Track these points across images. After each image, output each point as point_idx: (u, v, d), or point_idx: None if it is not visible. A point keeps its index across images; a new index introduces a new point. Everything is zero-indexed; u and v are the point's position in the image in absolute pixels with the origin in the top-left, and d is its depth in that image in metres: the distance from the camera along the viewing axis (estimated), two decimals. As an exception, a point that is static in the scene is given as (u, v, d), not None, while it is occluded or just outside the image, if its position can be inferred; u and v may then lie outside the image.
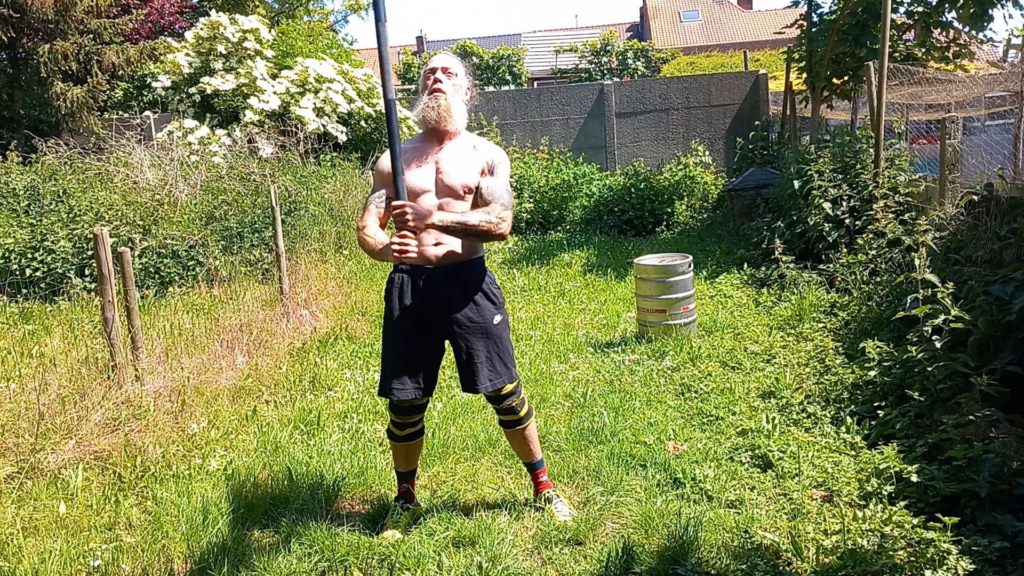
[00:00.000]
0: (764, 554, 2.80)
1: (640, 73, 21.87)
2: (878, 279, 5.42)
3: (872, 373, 4.09)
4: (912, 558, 2.60)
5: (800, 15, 9.81)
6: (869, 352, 4.17)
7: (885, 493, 3.09)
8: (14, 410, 3.76)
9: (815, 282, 6.28)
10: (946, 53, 8.71)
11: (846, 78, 9.03)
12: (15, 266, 7.01)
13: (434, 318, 2.95)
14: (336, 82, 10.39)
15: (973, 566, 2.53)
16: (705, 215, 11.04)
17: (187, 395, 4.25)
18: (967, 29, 8.27)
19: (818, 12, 9.58)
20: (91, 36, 12.81)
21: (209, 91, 10.24)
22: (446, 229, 2.80)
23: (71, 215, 7.47)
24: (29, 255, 7.10)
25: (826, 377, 4.43)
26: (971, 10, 7.76)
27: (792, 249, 6.89)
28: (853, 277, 5.86)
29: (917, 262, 4.25)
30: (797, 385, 4.41)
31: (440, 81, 2.91)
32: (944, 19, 8.43)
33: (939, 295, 3.89)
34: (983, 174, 5.71)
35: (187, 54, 10.62)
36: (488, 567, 2.75)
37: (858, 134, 7.57)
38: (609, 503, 3.21)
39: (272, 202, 6.11)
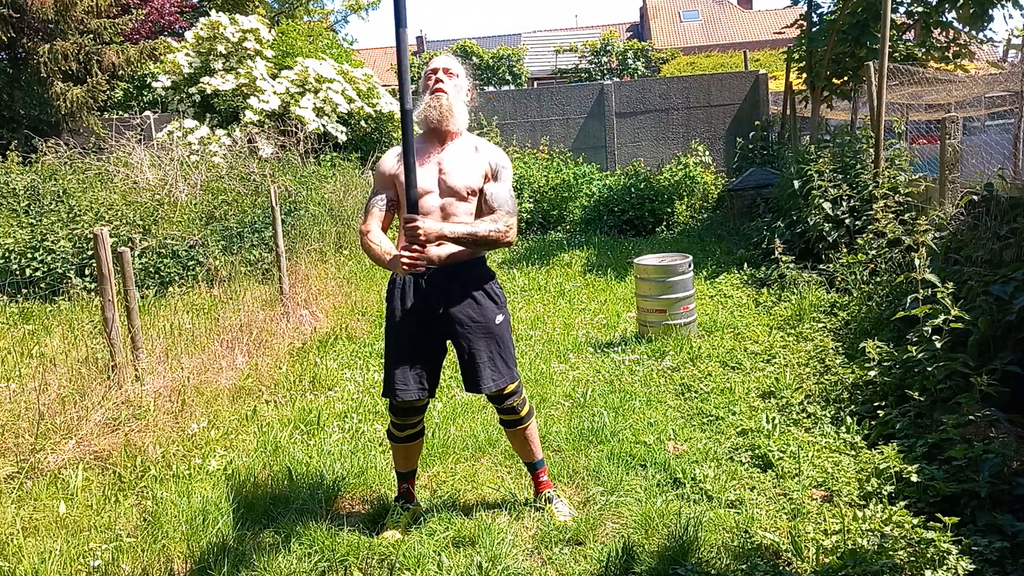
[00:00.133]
0: (764, 554, 2.80)
1: (640, 73, 21.87)
2: (878, 279, 5.42)
3: (872, 373, 4.09)
4: (912, 558, 2.59)
5: (800, 15, 9.82)
6: (869, 352, 4.17)
7: (885, 493, 3.09)
8: (14, 410, 3.76)
9: (815, 282, 6.28)
10: (946, 53, 8.71)
11: (846, 78, 9.03)
12: (15, 266, 7.01)
13: (436, 318, 2.95)
14: (336, 82, 10.40)
15: (973, 566, 2.53)
16: (705, 215, 11.04)
17: (187, 395, 4.25)
18: (967, 29, 8.28)
19: (818, 12, 9.58)
20: (91, 36, 12.81)
21: (209, 91, 10.24)
22: (457, 240, 2.81)
23: (71, 215, 7.47)
24: (29, 255, 7.10)
25: (826, 377, 4.43)
26: (971, 10, 7.76)
27: (792, 249, 6.89)
28: (853, 277, 5.86)
29: (917, 262, 4.25)
30: (797, 385, 4.41)
31: (441, 81, 2.91)
32: (944, 19, 8.44)
33: (939, 295, 3.90)
34: (983, 174, 5.71)
35: (187, 54, 10.63)
36: (488, 567, 2.75)
37: (858, 134, 7.56)
38: (609, 503, 3.21)
39: (272, 202, 6.11)
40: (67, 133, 11.99)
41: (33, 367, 4.26)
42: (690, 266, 5.68)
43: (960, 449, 3.04)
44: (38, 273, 6.97)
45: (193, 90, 10.46)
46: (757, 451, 3.61)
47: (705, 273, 7.63)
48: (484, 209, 2.95)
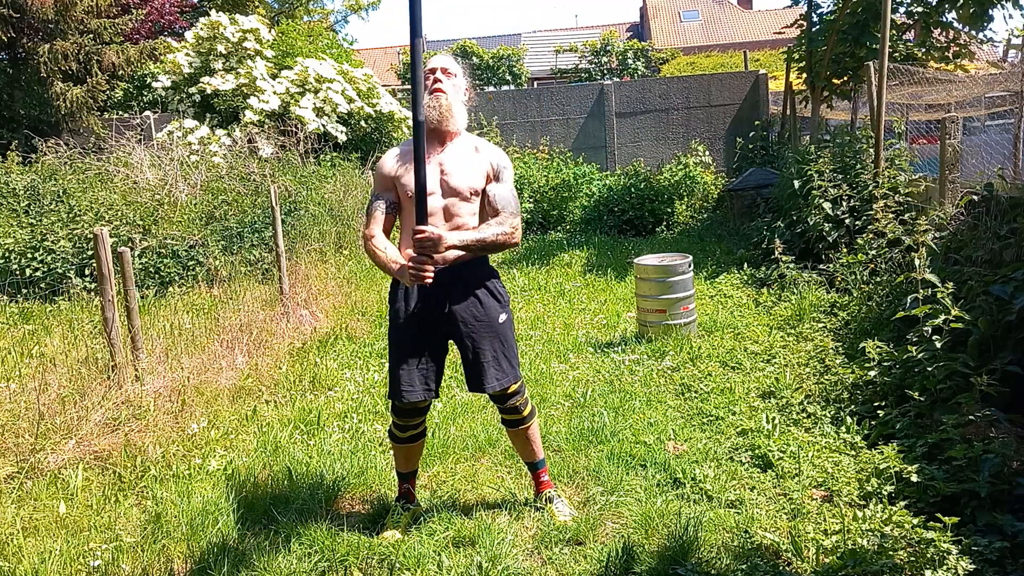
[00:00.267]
0: (764, 554, 2.80)
1: (640, 73, 21.86)
2: (878, 279, 5.42)
3: (872, 373, 4.09)
4: (912, 558, 2.59)
5: (800, 15, 9.82)
6: (869, 352, 4.17)
7: (885, 493, 3.09)
8: (14, 410, 3.76)
9: (815, 282, 6.28)
10: (946, 53, 8.71)
11: (846, 78, 9.04)
12: (15, 266, 7.02)
13: (439, 318, 2.94)
14: (336, 82, 10.40)
15: (973, 566, 2.53)
16: (705, 215, 11.04)
17: (187, 395, 4.25)
18: (967, 29, 8.28)
19: (818, 12, 9.59)
20: (91, 36, 12.81)
21: (209, 91, 10.24)
22: (466, 248, 2.82)
23: (71, 215, 7.47)
24: (29, 255, 7.10)
25: (826, 377, 4.43)
26: (971, 10, 7.76)
27: (792, 249, 6.89)
28: (853, 277, 5.86)
29: (917, 262, 4.25)
30: (797, 385, 4.41)
31: (440, 81, 2.91)
32: (944, 19, 8.44)
33: (939, 295, 3.90)
34: (983, 174, 5.71)
35: (187, 54, 10.62)
36: (488, 567, 2.75)
37: (858, 134, 7.57)
38: (609, 503, 3.21)
39: (272, 202, 6.11)
40: (67, 133, 11.99)
41: (33, 367, 4.26)
42: (690, 266, 5.68)
43: (960, 449, 3.04)
44: (38, 273, 6.97)
45: (193, 90, 10.46)
46: (757, 451, 3.61)
47: (705, 273, 7.63)
48: (488, 210, 2.95)
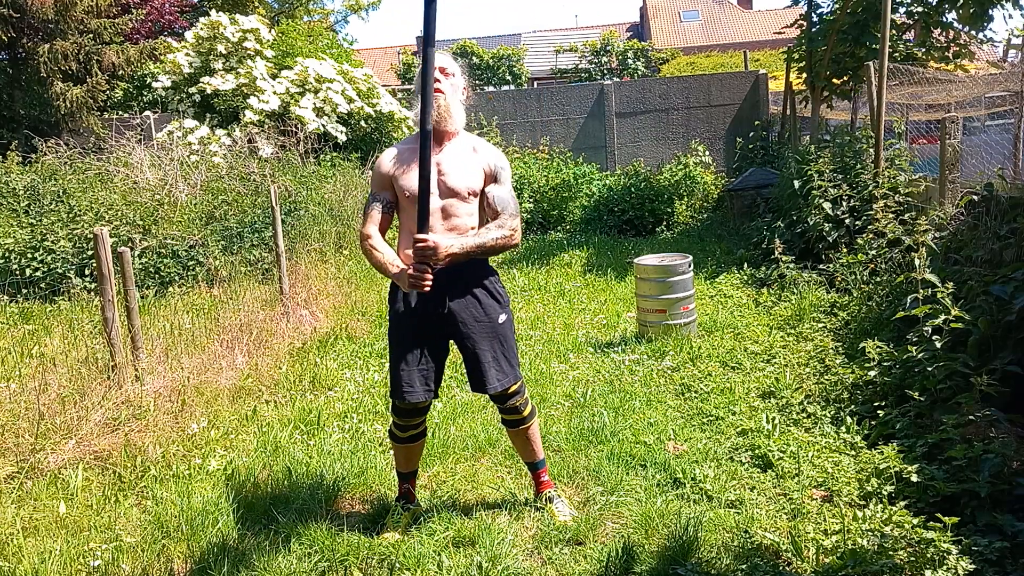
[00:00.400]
0: (764, 554, 2.80)
1: (640, 73, 21.86)
2: (878, 279, 5.42)
3: (872, 373, 4.09)
4: (912, 558, 2.59)
5: (800, 15, 9.82)
6: (869, 352, 4.17)
7: (885, 493, 3.09)
8: (14, 410, 3.76)
9: (815, 282, 6.28)
10: (946, 53, 8.71)
11: (846, 78, 9.04)
12: (15, 266, 7.02)
13: (439, 318, 2.94)
14: (336, 82, 10.39)
15: (973, 566, 2.53)
16: (705, 215, 11.04)
17: (187, 395, 4.25)
18: (967, 29, 8.28)
19: (818, 12, 9.59)
20: (91, 36, 12.80)
21: (209, 91, 10.24)
22: (468, 254, 2.83)
23: (71, 215, 7.47)
24: (29, 255, 7.10)
25: (826, 377, 4.43)
26: (971, 10, 7.76)
27: (792, 249, 6.89)
28: (853, 277, 5.86)
29: (917, 262, 4.25)
30: (797, 385, 4.41)
31: (438, 81, 2.90)
32: (944, 19, 8.44)
33: (939, 295, 3.89)
34: (983, 174, 5.71)
35: (187, 54, 10.62)
36: (488, 567, 2.75)
37: (858, 134, 7.57)
38: (609, 503, 3.21)
39: (272, 202, 6.11)
40: (67, 133, 11.98)
41: (33, 367, 4.26)
42: (690, 266, 5.68)
43: (960, 449, 3.04)
44: (38, 273, 6.97)
45: (193, 90, 10.46)
46: (757, 451, 3.61)
47: (705, 273, 7.63)
48: (488, 212, 2.95)
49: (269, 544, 3.01)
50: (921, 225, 4.89)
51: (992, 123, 9.80)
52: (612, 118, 12.72)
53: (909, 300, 4.21)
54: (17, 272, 6.94)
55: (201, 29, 10.59)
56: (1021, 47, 8.74)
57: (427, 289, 2.74)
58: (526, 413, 3.08)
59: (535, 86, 19.64)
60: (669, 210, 10.72)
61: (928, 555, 2.57)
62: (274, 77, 10.55)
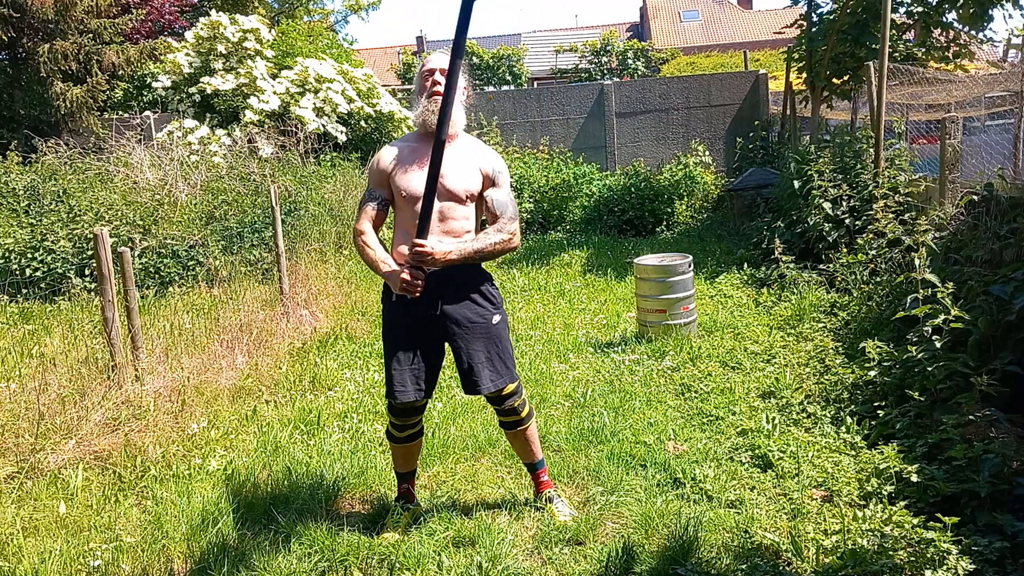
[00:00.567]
0: (764, 554, 2.80)
1: (640, 73, 21.85)
2: (878, 279, 5.42)
3: (872, 373, 4.09)
4: (912, 558, 2.59)
5: (800, 15, 9.82)
6: (869, 352, 4.17)
7: (885, 493, 3.09)
8: (14, 410, 3.76)
9: (815, 282, 6.28)
10: (946, 53, 8.72)
11: (846, 78, 9.04)
12: (15, 266, 7.01)
13: (433, 320, 2.94)
14: (336, 82, 10.39)
15: (973, 566, 2.53)
16: (705, 215, 11.04)
17: (187, 395, 4.25)
18: (967, 29, 8.28)
19: (818, 12, 9.59)
20: (91, 36, 12.80)
21: (209, 91, 10.24)
22: (466, 260, 2.83)
23: (71, 215, 7.47)
24: (29, 255, 7.10)
25: (826, 377, 4.43)
26: (971, 10, 7.76)
27: (792, 249, 6.89)
28: (853, 277, 5.86)
29: (917, 262, 4.25)
30: (797, 385, 4.41)
31: (439, 83, 2.89)
32: (944, 19, 8.44)
33: (939, 295, 3.89)
34: (983, 174, 5.71)
35: (187, 54, 10.62)
36: (488, 567, 2.75)
37: (858, 134, 7.57)
38: (609, 503, 3.21)
39: (272, 202, 6.11)
40: (67, 133, 11.98)
41: (33, 367, 4.26)
42: (690, 266, 5.68)
43: (960, 449, 3.04)
44: (38, 273, 6.97)
45: (193, 90, 10.46)
46: (757, 451, 3.61)
47: (705, 273, 7.63)
48: (486, 215, 2.95)
49: (269, 544, 3.01)
50: (921, 225, 4.89)
51: (992, 123, 9.80)
52: (612, 118, 12.72)
53: (909, 300, 4.21)
54: (17, 272, 6.94)
55: (201, 29, 10.59)
56: (1021, 47, 8.74)
57: (416, 294, 2.77)
58: (524, 414, 3.08)
59: (535, 86, 19.64)
60: (669, 210, 10.72)
61: (928, 555, 2.57)
62: (274, 77, 10.55)
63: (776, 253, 6.65)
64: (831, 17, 9.08)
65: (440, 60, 2.96)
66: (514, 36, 30.93)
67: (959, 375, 3.55)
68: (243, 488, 3.43)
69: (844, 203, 6.72)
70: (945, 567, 2.53)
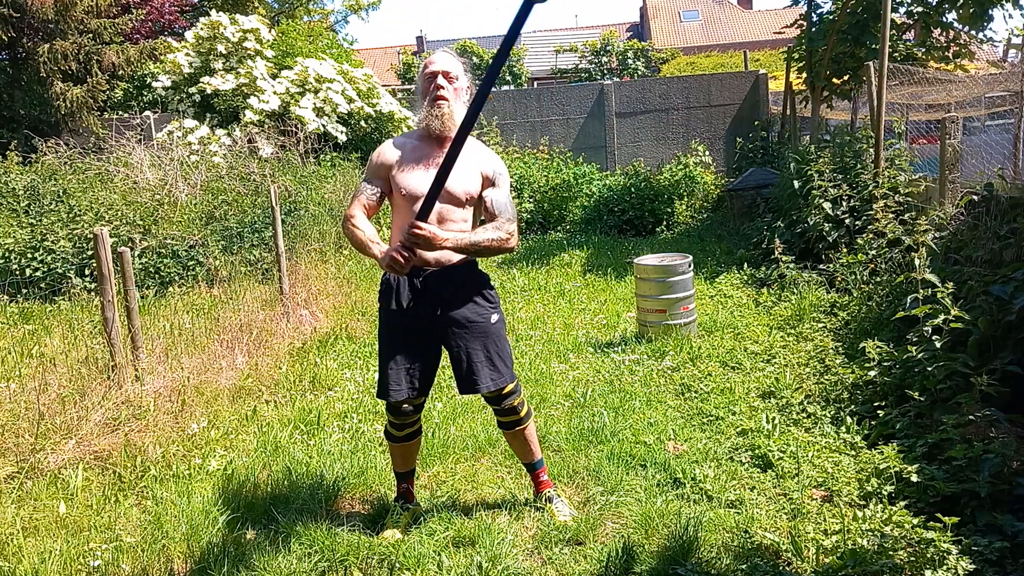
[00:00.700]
0: (764, 554, 2.80)
1: (640, 73, 21.86)
2: (878, 279, 5.42)
3: (872, 373, 4.09)
4: (912, 558, 2.59)
5: (800, 15, 9.82)
6: (869, 352, 4.17)
7: (885, 493, 3.09)
8: (14, 410, 3.76)
9: (815, 282, 6.28)
10: (946, 53, 8.72)
11: (846, 78, 9.04)
12: (15, 266, 7.01)
13: (430, 320, 2.93)
14: (336, 82, 10.39)
15: (973, 566, 2.53)
16: (705, 215, 11.04)
17: (187, 395, 4.25)
18: (967, 29, 8.28)
19: (818, 12, 9.59)
20: (91, 36, 12.80)
21: (209, 91, 10.24)
22: (458, 250, 2.81)
23: (71, 215, 7.47)
24: (29, 255, 7.10)
25: (826, 377, 4.43)
26: (971, 10, 7.76)
27: (792, 249, 6.89)
28: (853, 277, 5.86)
29: (917, 262, 4.25)
30: (797, 385, 4.41)
31: (442, 88, 2.86)
32: (944, 19, 8.44)
33: (939, 295, 3.89)
34: (983, 174, 5.71)
35: (187, 54, 10.62)
36: (488, 567, 2.75)
37: (858, 134, 7.57)
38: (609, 503, 3.21)
39: (272, 202, 6.11)
40: (67, 133, 11.98)
41: (33, 367, 4.26)
42: (690, 266, 5.68)
43: (960, 449, 3.04)
44: (38, 273, 6.97)
45: (193, 90, 10.46)
46: (757, 451, 3.61)
47: (705, 273, 7.63)
48: (485, 216, 2.94)
49: (269, 544, 3.01)
50: (921, 225, 4.89)
51: (992, 123, 9.80)
52: (612, 118, 12.72)
53: (909, 300, 4.21)
54: (17, 272, 6.94)
55: (201, 29, 10.59)
56: (1021, 47, 8.74)
57: (404, 274, 2.73)
58: (523, 414, 3.08)
59: (535, 86, 19.64)
60: (669, 210, 10.72)
61: (928, 555, 2.57)
62: (274, 77, 10.55)
63: (776, 253, 6.65)
64: (831, 17, 9.08)
65: (442, 62, 2.93)
66: (514, 36, 30.85)
67: (959, 375, 3.55)
68: (243, 488, 3.43)
69: (844, 203, 6.73)
70: (945, 567, 2.53)
